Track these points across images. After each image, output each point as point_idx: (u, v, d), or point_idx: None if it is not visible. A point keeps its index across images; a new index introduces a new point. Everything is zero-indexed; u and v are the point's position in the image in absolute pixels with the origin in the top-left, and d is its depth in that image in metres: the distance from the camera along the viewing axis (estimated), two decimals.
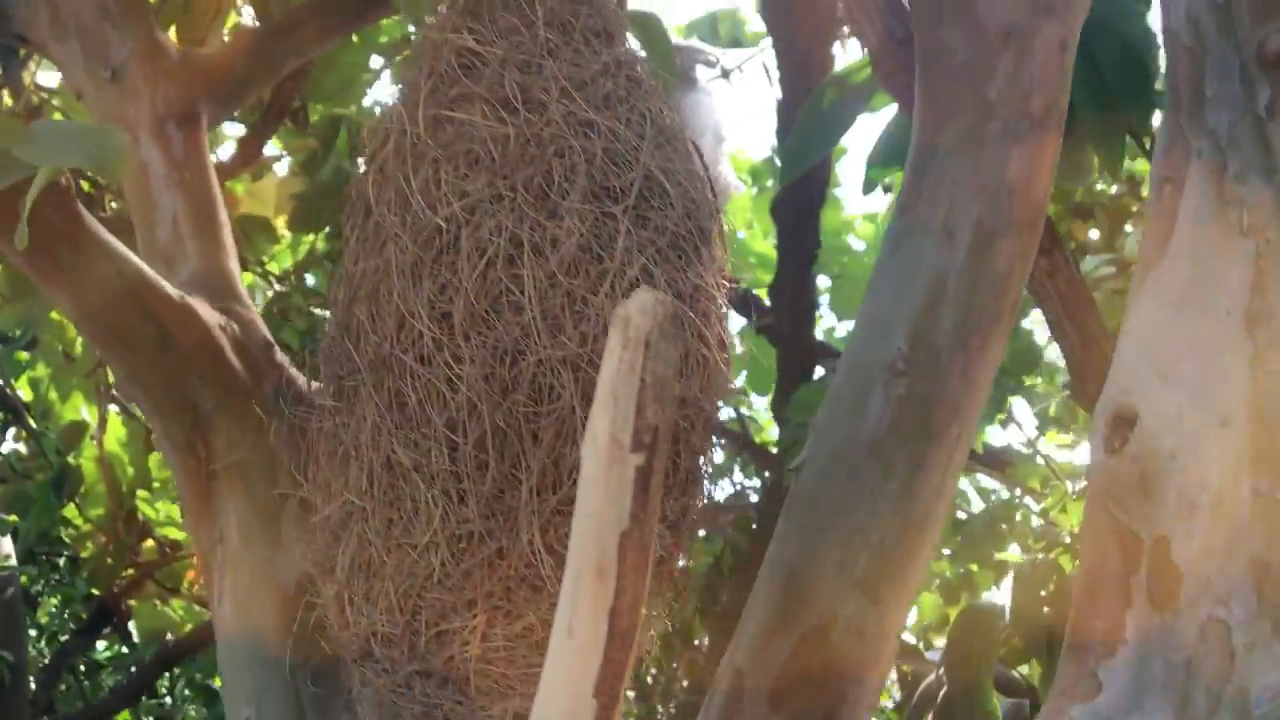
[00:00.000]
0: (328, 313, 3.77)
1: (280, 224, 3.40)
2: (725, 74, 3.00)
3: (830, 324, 3.10)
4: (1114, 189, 2.88)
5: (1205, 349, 0.76)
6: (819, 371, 2.85)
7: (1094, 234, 2.91)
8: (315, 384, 1.81)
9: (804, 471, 1.31)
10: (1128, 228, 2.91)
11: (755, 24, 3.15)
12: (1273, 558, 0.72)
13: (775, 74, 2.85)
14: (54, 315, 3.25)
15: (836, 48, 2.81)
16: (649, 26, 1.73)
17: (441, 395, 0.96)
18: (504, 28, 1.03)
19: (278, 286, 3.34)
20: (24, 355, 3.56)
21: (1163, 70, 2.41)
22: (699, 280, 1.02)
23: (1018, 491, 2.45)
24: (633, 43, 1.20)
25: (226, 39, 2.21)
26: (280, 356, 1.83)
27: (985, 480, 2.85)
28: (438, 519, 0.95)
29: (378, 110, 3.49)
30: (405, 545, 0.97)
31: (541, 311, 0.97)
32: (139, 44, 1.95)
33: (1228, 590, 0.73)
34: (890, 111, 2.43)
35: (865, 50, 2.06)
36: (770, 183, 3.14)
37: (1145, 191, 2.84)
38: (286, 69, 2.21)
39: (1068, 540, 2.12)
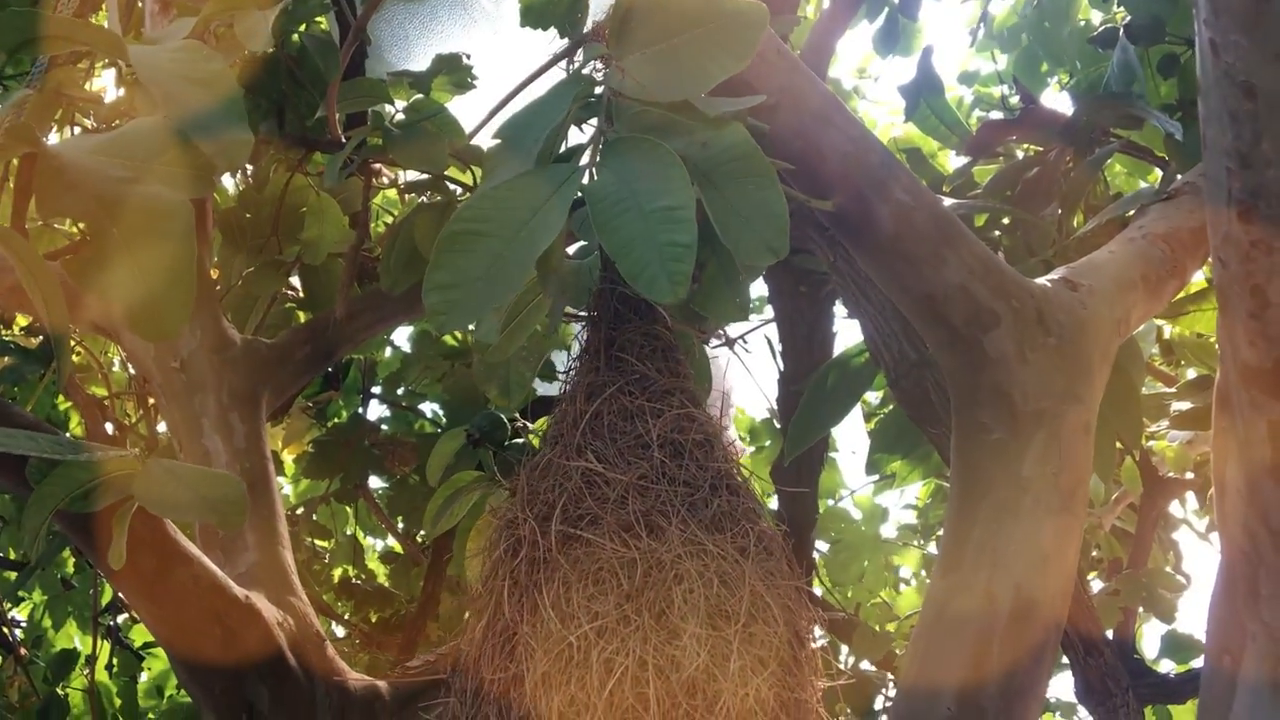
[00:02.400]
0: (326, 544, 3.76)
1: (286, 456, 3.49)
2: (729, 343, 3.18)
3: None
4: None
5: None
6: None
7: None
8: (362, 683, 1.88)
9: None
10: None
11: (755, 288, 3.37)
12: None
13: (778, 347, 3.03)
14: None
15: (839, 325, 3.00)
16: (702, 365, 1.89)
17: None
18: (624, 448, 1.17)
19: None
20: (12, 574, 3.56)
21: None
22: (800, 693, 1.13)
23: None
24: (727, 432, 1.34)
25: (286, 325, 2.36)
26: (331, 651, 1.91)
27: None
28: None
29: (388, 350, 3.58)
30: None
31: None
32: (207, 335, 2.08)
33: None
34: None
35: (879, 367, 2.24)
36: (768, 442, 3.29)
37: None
38: (341, 356, 2.34)
39: None
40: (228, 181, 2.68)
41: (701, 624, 1.08)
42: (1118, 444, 2.38)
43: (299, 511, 3.49)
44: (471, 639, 1.17)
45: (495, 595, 1.15)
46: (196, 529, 1.99)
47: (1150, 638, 2.96)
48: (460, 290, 1.06)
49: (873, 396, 3.19)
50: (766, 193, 1.18)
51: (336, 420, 3.31)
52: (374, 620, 3.42)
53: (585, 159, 1.15)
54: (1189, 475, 2.31)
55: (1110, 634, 2.23)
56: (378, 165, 2.46)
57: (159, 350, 2.07)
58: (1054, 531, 1.48)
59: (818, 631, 1.29)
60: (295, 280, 2.60)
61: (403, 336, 4.35)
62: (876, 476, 2.73)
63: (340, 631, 3.43)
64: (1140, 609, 2.24)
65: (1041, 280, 1.60)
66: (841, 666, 2.79)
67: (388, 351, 3.49)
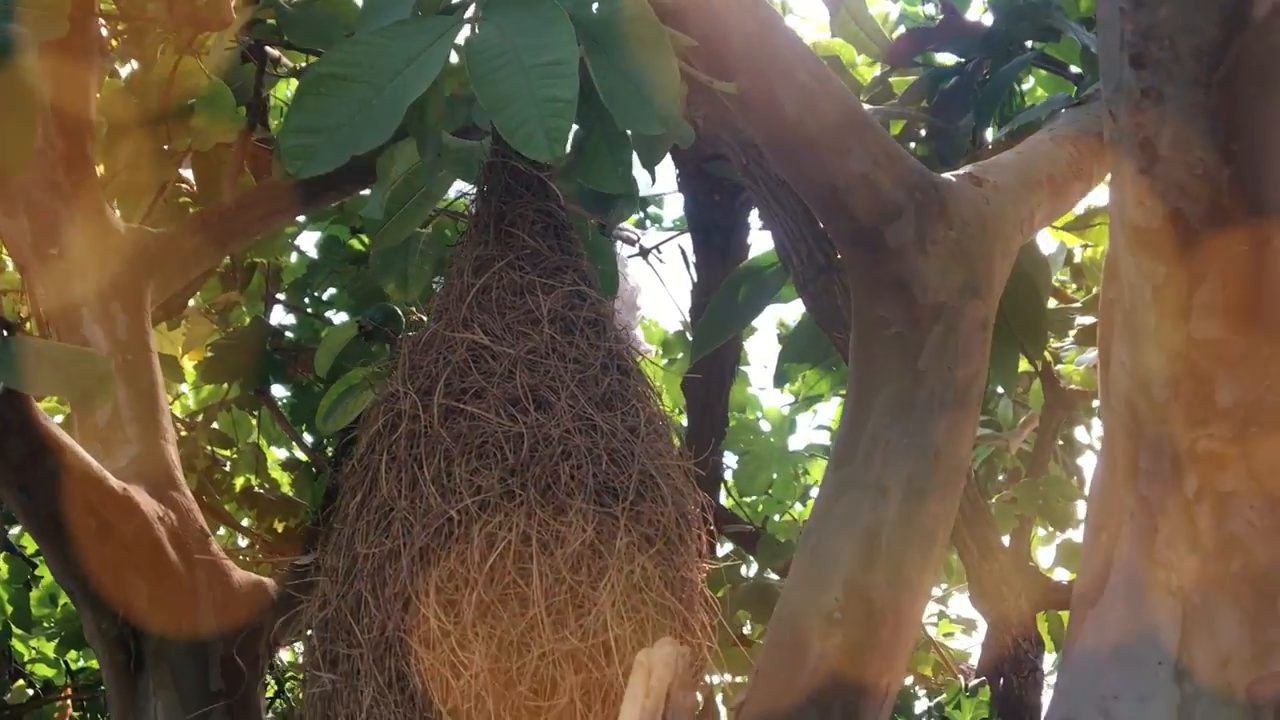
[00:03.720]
0: (228, 453, 3.67)
1: (186, 361, 3.38)
2: (644, 253, 3.13)
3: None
4: None
5: (1139, 693, 0.88)
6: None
7: None
8: (248, 579, 1.83)
9: (744, 712, 1.39)
10: (998, 389, 3.11)
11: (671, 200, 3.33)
12: None
13: (691, 257, 2.99)
14: None
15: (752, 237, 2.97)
16: (597, 246, 1.84)
17: (445, 681, 1.01)
18: (512, 324, 1.12)
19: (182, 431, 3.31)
20: None
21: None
22: (685, 571, 1.10)
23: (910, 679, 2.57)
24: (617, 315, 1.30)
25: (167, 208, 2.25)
26: (215, 547, 1.85)
27: None
28: None
29: (294, 256, 3.49)
30: None
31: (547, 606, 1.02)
32: (88, 221, 1.97)
33: None
34: (800, 305, 2.59)
35: (787, 270, 2.21)
36: (680, 355, 3.27)
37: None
38: (231, 249, 2.25)
39: None
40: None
41: (589, 500, 1.04)
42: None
43: (199, 418, 3.39)
44: (345, 516, 1.12)
45: (372, 471, 1.10)
46: (76, 423, 1.91)
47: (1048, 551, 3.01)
48: (322, 136, 1.00)
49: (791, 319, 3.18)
50: (658, 60, 1.12)
51: (238, 325, 3.20)
52: (278, 529, 3.35)
53: (469, 13, 1.09)
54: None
55: (1006, 540, 2.26)
56: (276, 53, 2.35)
57: (36, 236, 1.97)
58: (947, 425, 1.47)
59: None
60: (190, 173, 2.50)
61: (309, 242, 4.22)
62: (786, 385, 2.72)
63: (243, 541, 3.36)
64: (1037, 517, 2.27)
65: (947, 175, 1.58)
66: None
67: (293, 257, 3.38)
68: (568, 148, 1.03)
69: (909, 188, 1.49)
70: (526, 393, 1.09)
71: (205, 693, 1.70)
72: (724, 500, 3.27)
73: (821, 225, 1.64)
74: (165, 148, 2.31)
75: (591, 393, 1.11)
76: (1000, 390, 2.40)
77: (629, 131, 1.33)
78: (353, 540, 1.10)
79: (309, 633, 1.13)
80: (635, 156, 1.44)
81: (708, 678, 1.14)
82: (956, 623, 3.33)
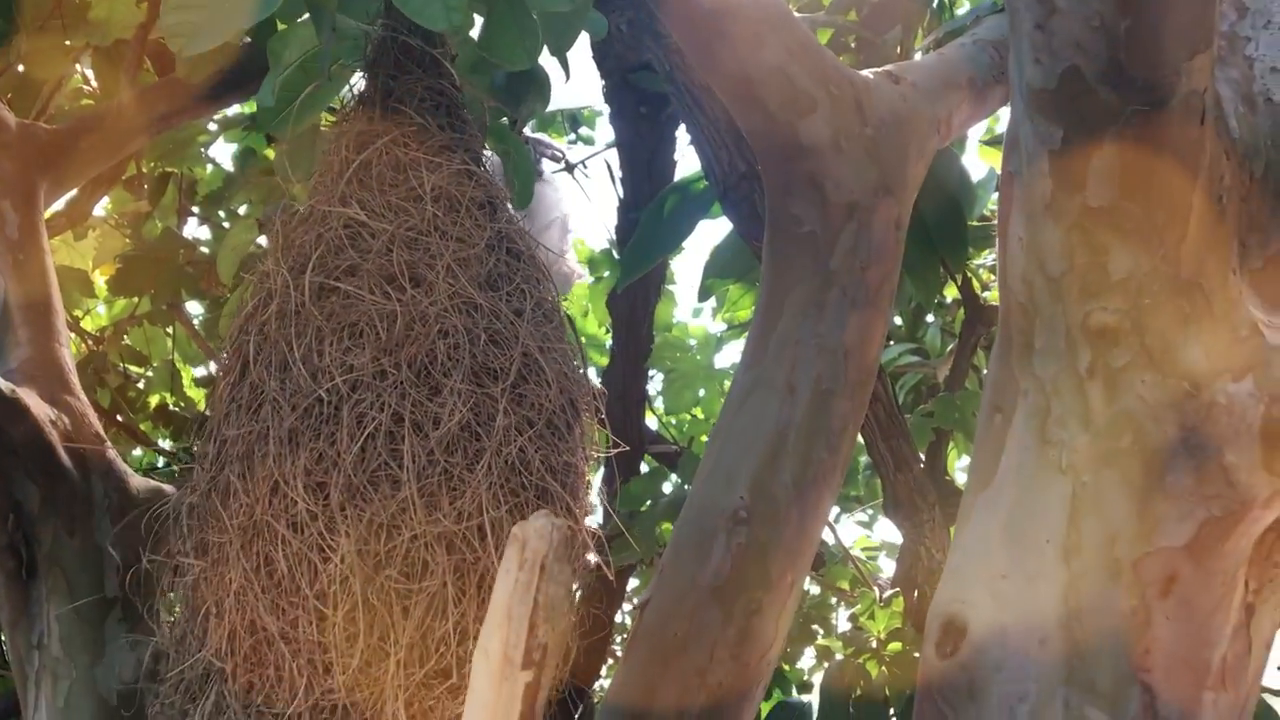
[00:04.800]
0: (141, 370, 3.59)
1: (98, 278, 3.28)
2: (569, 168, 3.07)
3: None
4: None
5: (1027, 573, 0.86)
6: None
7: (898, 321, 3.10)
8: (147, 486, 1.78)
9: (648, 612, 1.38)
10: (929, 318, 3.12)
11: (602, 122, 3.26)
12: None
13: (618, 174, 2.94)
14: None
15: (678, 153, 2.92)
16: (511, 146, 1.79)
17: (313, 565, 0.98)
18: (392, 201, 1.07)
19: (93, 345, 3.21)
20: None
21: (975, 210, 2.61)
22: (569, 457, 1.07)
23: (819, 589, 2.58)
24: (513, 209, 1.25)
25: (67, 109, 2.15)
26: (112, 452, 1.79)
27: None
28: (302, 689, 0.96)
29: (209, 168, 3.40)
30: (267, 713, 0.98)
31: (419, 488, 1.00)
32: None
33: None
34: (728, 221, 2.56)
35: (708, 178, 2.17)
36: (607, 273, 3.23)
37: (947, 290, 3.06)
38: (130, 148, 2.16)
39: (874, 645, 2.26)
40: None
41: (466, 380, 1.00)
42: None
43: (108, 333, 3.29)
44: (216, 401, 1.07)
45: (242, 353, 1.05)
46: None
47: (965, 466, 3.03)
48: (204, 12, 0.94)
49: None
50: None
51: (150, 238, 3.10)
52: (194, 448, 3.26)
53: None
54: None
55: (922, 454, 2.26)
56: None
57: None
58: (857, 325, 1.45)
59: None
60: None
61: (225, 154, 4.08)
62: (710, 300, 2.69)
63: (161, 461, 3.29)
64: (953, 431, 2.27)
65: (864, 72, 1.54)
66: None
67: (209, 168, 3.28)
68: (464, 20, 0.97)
69: (825, 82, 1.45)
70: (403, 270, 1.04)
71: (101, 599, 1.65)
72: (651, 423, 3.25)
73: (739, 124, 1.60)
74: (67, 44, 2.20)
75: (474, 272, 1.07)
76: (920, 304, 2.39)
77: (535, 14, 1.28)
78: (223, 425, 1.05)
79: (179, 520, 1.09)
80: (547, 48, 1.39)
81: (589, 557, 1.12)
82: (880, 547, 3.37)
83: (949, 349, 2.89)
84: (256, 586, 0.98)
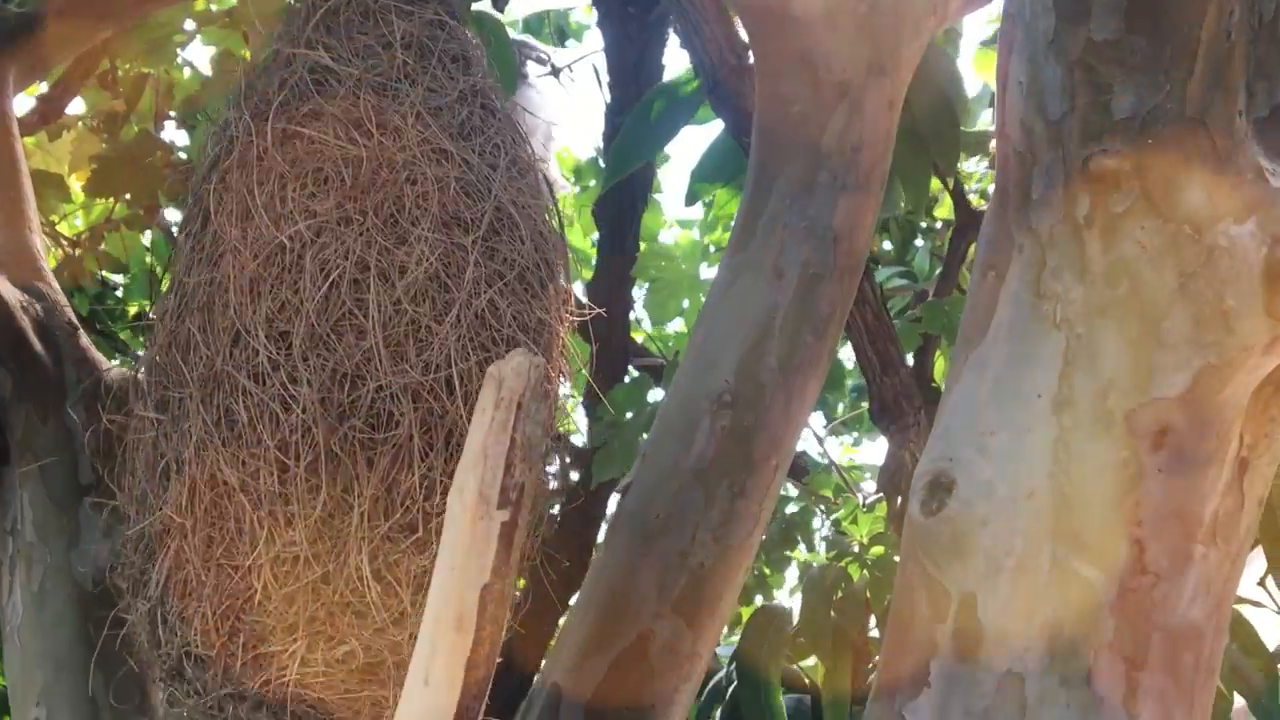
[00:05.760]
0: (119, 277, 3.56)
1: (74, 183, 3.22)
2: (555, 72, 3.01)
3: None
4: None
5: (1016, 427, 0.84)
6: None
7: (887, 245, 3.08)
8: (122, 374, 1.75)
9: (630, 494, 1.36)
10: (918, 241, 3.09)
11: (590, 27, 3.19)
12: (1064, 619, 0.81)
13: (605, 77, 2.88)
14: None
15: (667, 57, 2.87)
16: (492, 33, 1.74)
17: (274, 416, 0.95)
18: (361, 47, 1.03)
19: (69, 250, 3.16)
20: None
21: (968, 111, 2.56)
22: (543, 314, 1.05)
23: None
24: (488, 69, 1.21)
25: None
26: (85, 341, 1.76)
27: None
28: (262, 541, 0.94)
29: (186, 71, 3.34)
30: (226, 566, 0.96)
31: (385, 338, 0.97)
32: None
33: (1024, 647, 0.81)
34: (717, 126, 2.51)
35: (698, 73, 2.13)
36: (593, 182, 3.18)
37: (937, 211, 3.03)
38: (101, 35, 2.10)
39: (856, 550, 2.26)
40: None
41: (435, 229, 0.97)
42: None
43: (85, 238, 3.24)
44: (178, 256, 1.04)
45: (202, 203, 1.02)
46: None
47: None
48: None
49: None
50: None
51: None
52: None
53: None
54: None
55: (910, 359, 2.24)
56: None
57: None
58: (847, 209, 1.41)
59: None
60: None
61: (203, 58, 4.00)
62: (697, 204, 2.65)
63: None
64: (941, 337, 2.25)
65: None
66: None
67: (186, 72, 3.20)
68: None
69: None
70: (370, 116, 1.01)
71: (75, 486, 1.62)
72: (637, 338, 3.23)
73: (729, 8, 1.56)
74: None
75: (445, 121, 1.03)
76: (909, 208, 2.35)
77: None
78: (183, 278, 1.02)
79: (138, 377, 1.07)
80: None
81: (564, 402, 1.10)
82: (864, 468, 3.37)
83: (937, 272, 2.86)
84: (217, 439, 0.96)
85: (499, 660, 0.80)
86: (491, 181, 1.03)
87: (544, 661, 1.37)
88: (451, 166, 1.01)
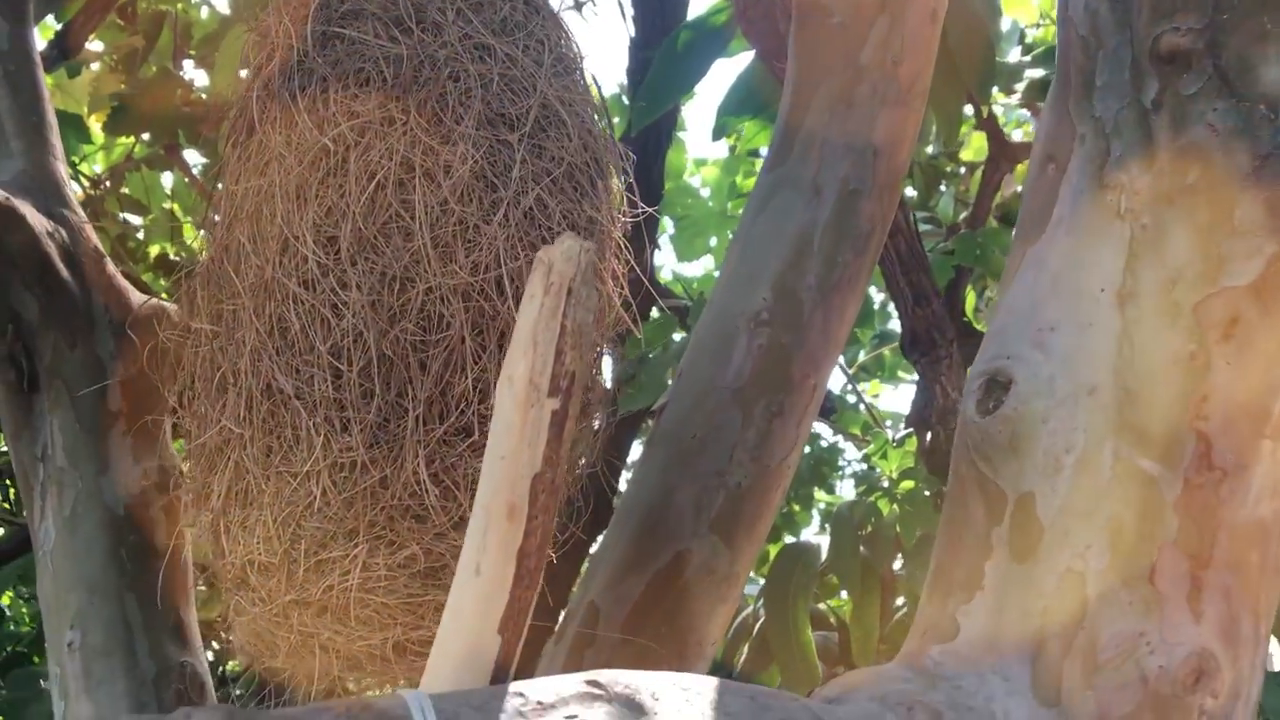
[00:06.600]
0: (137, 220, 3.54)
1: (94, 123, 3.20)
2: (578, 5, 2.95)
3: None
4: (930, 149, 3.00)
5: (1078, 322, 0.82)
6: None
7: (910, 191, 3.04)
8: (151, 305, 1.73)
9: (666, 414, 1.34)
10: (941, 187, 3.05)
11: None
12: (1126, 516, 0.79)
13: (629, 10, 2.83)
14: None
15: None
16: None
17: (326, 321, 0.93)
18: None
19: (90, 189, 3.15)
20: None
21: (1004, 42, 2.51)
22: (594, 212, 1.02)
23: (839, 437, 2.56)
24: None
25: None
26: (111, 267, 1.74)
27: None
28: (319, 447, 0.93)
29: (205, 10, 3.30)
30: (285, 473, 0.95)
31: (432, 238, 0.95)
32: None
33: (1085, 545, 0.79)
34: (744, 59, 2.47)
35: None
36: (616, 119, 3.14)
37: (963, 154, 2.98)
38: None
39: (885, 485, 2.24)
40: None
41: (479, 126, 0.95)
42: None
43: (107, 184, 3.23)
44: (224, 166, 1.02)
45: (246, 113, 0.99)
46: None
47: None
48: None
49: None
50: None
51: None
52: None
53: None
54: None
55: (942, 291, 2.21)
56: None
57: None
58: (887, 123, 1.38)
59: None
60: None
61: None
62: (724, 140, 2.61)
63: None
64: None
65: None
66: None
67: (204, 12, 3.17)
68: None
69: None
70: (410, 13, 0.98)
71: (104, 412, 1.61)
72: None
73: None
74: None
75: (487, 17, 1.00)
76: (943, 141, 2.31)
77: None
78: (233, 187, 1.00)
79: (189, 289, 1.05)
80: None
81: (612, 286, 1.08)
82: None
83: (962, 218, 2.82)
84: (270, 348, 0.94)
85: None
86: (536, 78, 1.00)
87: (578, 581, 1.36)
88: (494, 63, 0.98)
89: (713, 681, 0.73)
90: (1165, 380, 0.79)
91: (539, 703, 0.64)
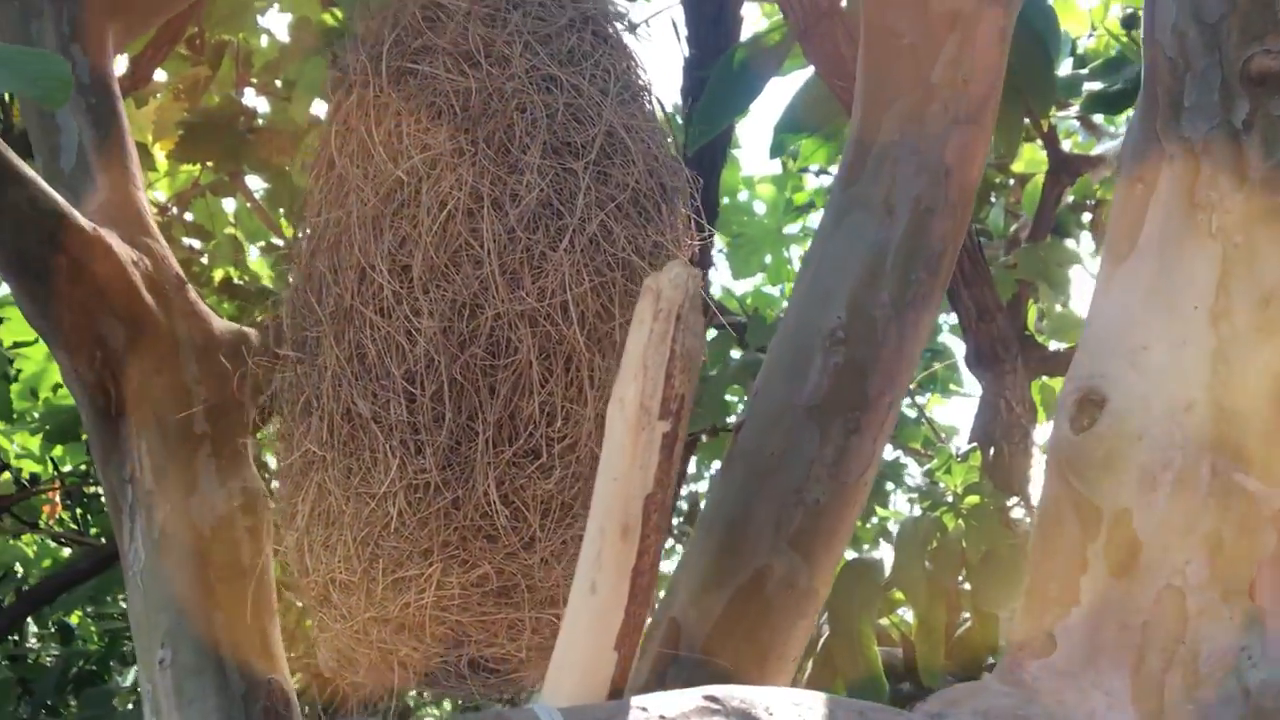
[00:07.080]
0: (198, 243, 3.61)
1: (158, 150, 3.27)
2: (633, 27, 2.99)
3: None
4: None
5: (1172, 340, 0.83)
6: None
7: None
8: (230, 328, 1.78)
9: (743, 432, 1.36)
10: (992, 198, 3.05)
11: None
12: (1225, 531, 0.80)
13: (683, 31, 2.86)
14: None
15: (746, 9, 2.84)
16: None
17: (400, 348, 0.97)
18: None
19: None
20: None
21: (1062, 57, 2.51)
22: (659, 237, 1.05)
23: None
24: None
25: None
26: (193, 294, 1.79)
27: None
28: (395, 469, 0.96)
29: (265, 39, 3.38)
30: (363, 494, 0.98)
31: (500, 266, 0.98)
32: None
33: (1184, 560, 0.80)
34: (796, 78, 2.48)
35: (788, 18, 2.11)
36: (670, 139, 3.17)
37: (1014, 167, 2.98)
38: None
39: (949, 500, 2.24)
40: None
41: (546, 156, 0.98)
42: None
43: (172, 210, 3.30)
44: (309, 198, 1.06)
45: (327, 147, 1.03)
46: (40, 168, 1.82)
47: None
48: None
49: None
50: None
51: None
52: (259, 320, 3.29)
53: None
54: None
55: (1005, 305, 2.22)
56: None
57: None
58: (959, 143, 1.40)
59: None
60: None
61: (281, 24, 4.04)
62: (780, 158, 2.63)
63: None
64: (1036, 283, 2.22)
65: None
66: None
67: (264, 40, 3.24)
68: None
69: None
70: (479, 48, 1.01)
71: (190, 435, 1.66)
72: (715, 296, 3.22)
73: None
74: None
75: (554, 49, 1.03)
76: (1001, 153, 2.32)
77: None
78: (314, 219, 1.04)
79: (276, 317, 1.09)
80: None
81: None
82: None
83: (1012, 230, 2.83)
84: (349, 373, 0.98)
85: None
86: (601, 106, 1.03)
87: (661, 595, 1.38)
88: (560, 92, 1.01)
89: (821, 696, 0.75)
90: (1262, 396, 0.80)
91: (661, 716, 0.66)
